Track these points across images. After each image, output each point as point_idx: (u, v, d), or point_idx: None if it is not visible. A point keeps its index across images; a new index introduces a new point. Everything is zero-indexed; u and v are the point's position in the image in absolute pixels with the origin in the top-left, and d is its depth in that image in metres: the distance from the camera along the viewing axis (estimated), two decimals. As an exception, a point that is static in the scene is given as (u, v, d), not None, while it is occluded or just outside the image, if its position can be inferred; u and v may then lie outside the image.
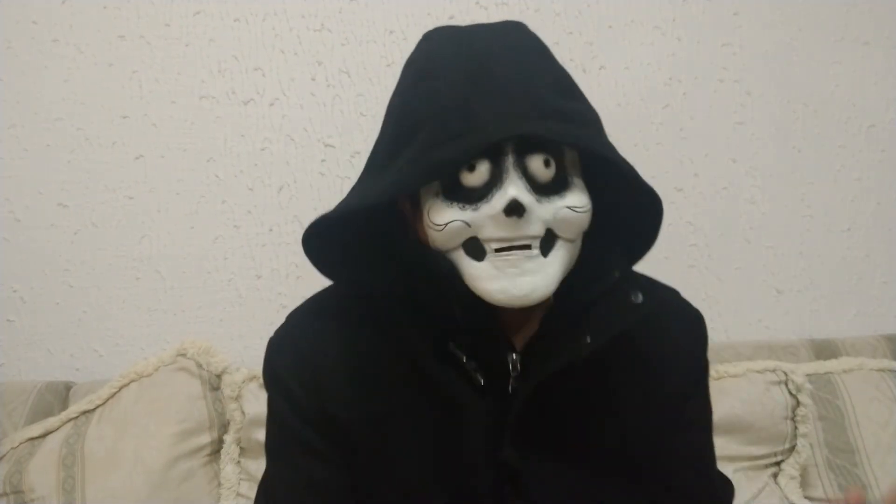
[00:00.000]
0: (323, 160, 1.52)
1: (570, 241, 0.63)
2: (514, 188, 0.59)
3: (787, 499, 1.38)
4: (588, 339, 0.64)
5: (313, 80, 1.51)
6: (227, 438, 1.34)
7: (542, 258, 0.61)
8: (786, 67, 1.64)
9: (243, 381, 1.34)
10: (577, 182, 0.63)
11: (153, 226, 1.49)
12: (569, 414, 0.68)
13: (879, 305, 1.72)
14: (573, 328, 0.65)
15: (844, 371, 1.48)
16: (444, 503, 0.68)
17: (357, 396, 0.68)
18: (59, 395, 1.40)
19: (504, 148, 0.60)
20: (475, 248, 0.62)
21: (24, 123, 1.45)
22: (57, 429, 1.31)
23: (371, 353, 0.69)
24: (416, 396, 0.68)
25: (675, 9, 1.59)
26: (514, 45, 0.64)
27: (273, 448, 0.74)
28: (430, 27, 0.69)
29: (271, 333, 0.75)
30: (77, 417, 1.32)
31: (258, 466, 1.30)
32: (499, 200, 0.59)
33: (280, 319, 0.75)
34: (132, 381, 1.35)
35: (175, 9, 1.47)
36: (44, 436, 1.30)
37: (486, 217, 0.60)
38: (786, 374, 1.42)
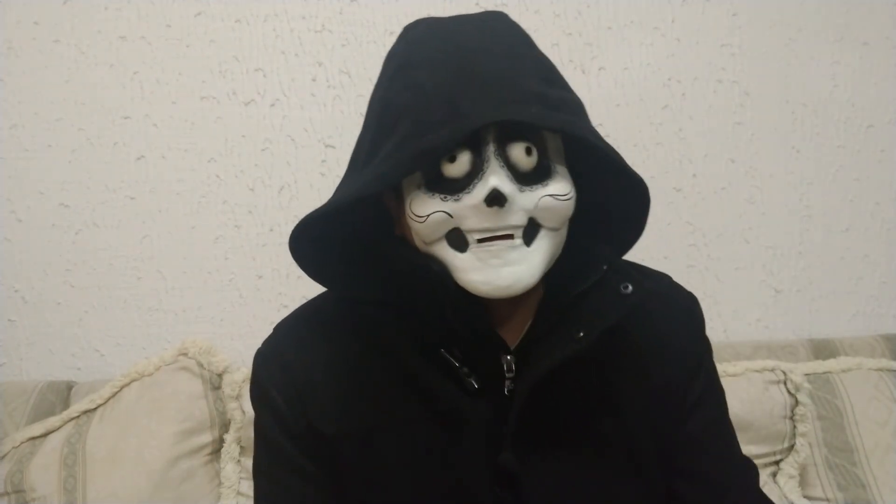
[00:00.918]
0: (323, 161, 1.53)
1: (554, 229, 0.62)
2: (495, 178, 0.58)
3: (785, 498, 1.38)
4: (581, 334, 0.63)
5: (314, 80, 1.52)
6: (228, 437, 1.35)
7: (525, 248, 0.60)
8: (785, 68, 1.64)
9: (244, 381, 1.34)
10: (560, 170, 0.62)
11: (154, 226, 1.50)
12: (568, 413, 0.67)
13: (878, 305, 1.73)
14: (565, 324, 0.64)
15: (843, 371, 1.49)
16: None
17: (346, 411, 0.67)
18: (61, 395, 1.41)
19: (485, 137, 0.59)
20: (458, 240, 0.61)
21: (26, 124, 1.46)
22: (58, 428, 1.31)
23: (360, 365, 0.68)
24: (409, 407, 0.66)
25: (674, 10, 1.60)
26: (495, 34, 0.63)
27: (258, 465, 0.72)
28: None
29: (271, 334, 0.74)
30: (78, 417, 1.33)
31: (259, 465, 1.30)
32: (480, 190, 0.58)
33: (280, 319, 0.75)
34: (133, 380, 1.35)
35: (176, 10, 1.47)
36: (45, 435, 1.30)
37: (467, 207, 0.59)
38: (784, 373, 1.43)
